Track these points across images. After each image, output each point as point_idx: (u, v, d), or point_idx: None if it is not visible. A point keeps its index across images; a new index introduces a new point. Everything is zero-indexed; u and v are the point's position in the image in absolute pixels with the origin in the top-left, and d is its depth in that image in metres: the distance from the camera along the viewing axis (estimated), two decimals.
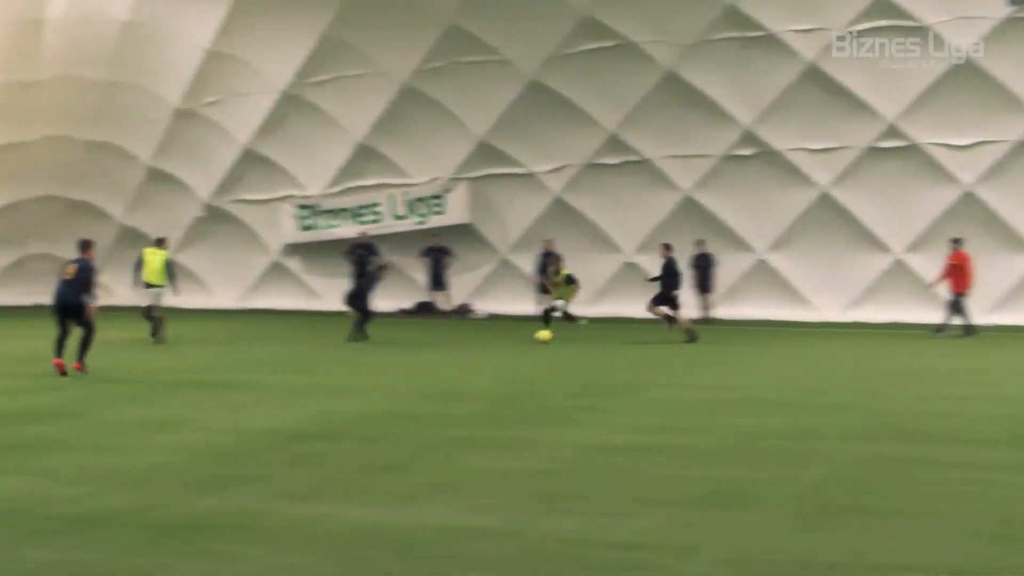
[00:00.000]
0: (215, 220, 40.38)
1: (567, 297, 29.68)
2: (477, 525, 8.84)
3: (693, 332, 27.15)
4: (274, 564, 7.79)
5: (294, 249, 39.78)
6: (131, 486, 10.17)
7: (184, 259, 40.34)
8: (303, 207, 39.24)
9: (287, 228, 39.52)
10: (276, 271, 40.18)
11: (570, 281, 29.48)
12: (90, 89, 39.47)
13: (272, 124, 38.62)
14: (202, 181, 40.21)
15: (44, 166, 40.92)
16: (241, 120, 38.84)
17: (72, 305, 19.69)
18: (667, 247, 28.98)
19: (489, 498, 9.78)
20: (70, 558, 7.86)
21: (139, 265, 27.88)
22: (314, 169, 39.00)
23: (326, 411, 15.22)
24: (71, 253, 41.90)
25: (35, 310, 38.23)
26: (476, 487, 10.24)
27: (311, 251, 39.23)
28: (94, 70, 39.11)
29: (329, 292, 38.11)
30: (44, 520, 8.87)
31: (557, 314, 29.22)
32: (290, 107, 38.22)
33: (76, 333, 19.76)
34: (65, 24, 38.24)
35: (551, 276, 30.20)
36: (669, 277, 28.03)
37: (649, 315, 28.83)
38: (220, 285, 40.68)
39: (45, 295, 41.01)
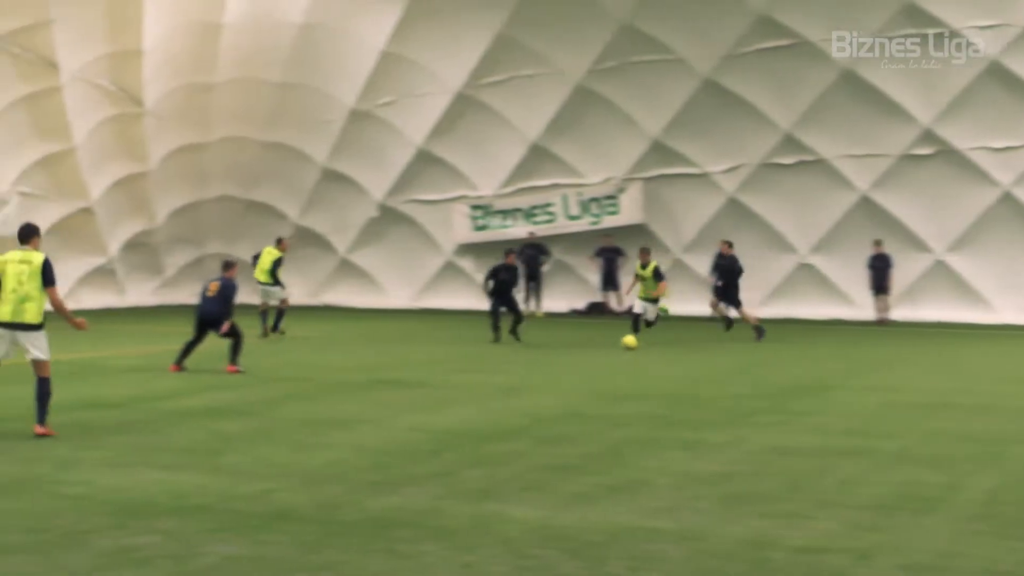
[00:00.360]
0: (389, 220, 40.81)
1: (658, 295, 26.94)
2: (652, 526, 8.80)
3: (730, 321, 28.96)
4: (449, 562, 7.86)
5: (467, 249, 40.00)
6: (310, 483, 10.33)
7: (358, 259, 40.92)
8: (476, 207, 39.46)
9: (460, 228, 39.78)
10: (449, 271, 40.45)
11: (658, 277, 26.86)
12: (266, 91, 40.23)
13: (446, 124, 38.91)
14: (376, 181, 40.68)
15: (222, 167, 41.89)
16: (415, 121, 39.21)
17: (211, 320, 20.65)
18: (728, 244, 29.87)
19: (665, 499, 9.72)
20: (252, 553, 8.03)
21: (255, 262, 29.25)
22: (487, 169, 39.19)
23: (501, 410, 15.28)
24: (248, 252, 42.91)
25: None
26: (652, 488, 10.18)
27: (484, 251, 39.40)
28: (270, 72, 39.85)
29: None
30: (227, 515, 9.07)
31: (651, 317, 27.01)
32: (464, 107, 38.47)
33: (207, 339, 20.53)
34: (242, 27, 39.02)
35: (637, 271, 27.47)
36: (730, 274, 29.29)
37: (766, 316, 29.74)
38: (394, 285, 41.09)
39: None
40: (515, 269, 27.94)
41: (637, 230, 37.12)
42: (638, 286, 27.26)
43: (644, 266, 26.93)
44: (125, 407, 15.51)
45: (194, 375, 19.57)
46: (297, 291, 41.43)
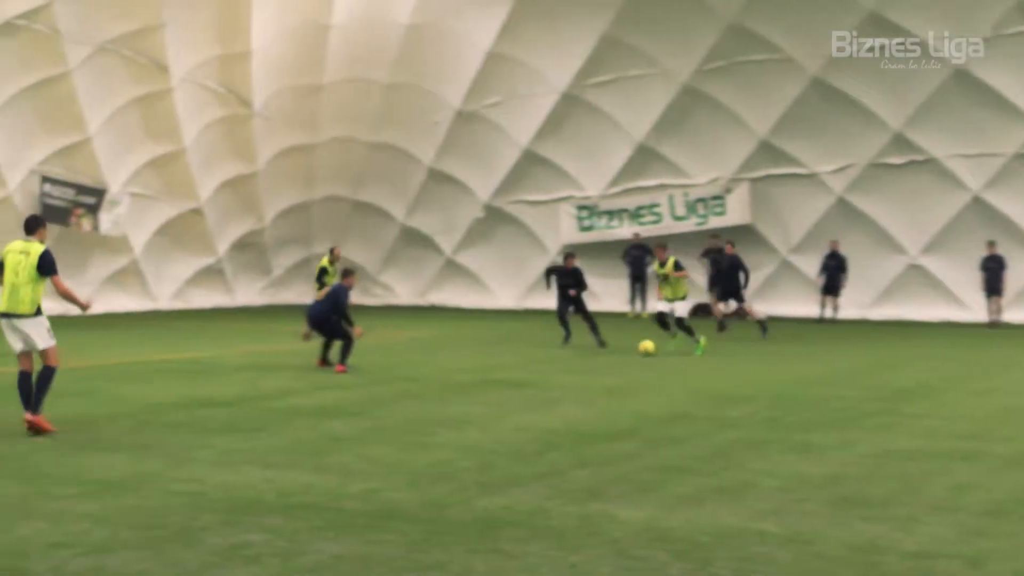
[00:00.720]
0: (495, 221, 40.95)
1: (678, 296, 25.24)
2: (759, 529, 8.74)
3: (724, 325, 29.47)
4: (556, 562, 7.86)
5: (573, 250, 39.92)
6: (417, 483, 10.39)
7: (464, 259, 41.08)
8: (582, 208, 39.46)
9: (566, 229, 39.78)
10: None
11: (678, 268, 25.11)
12: (374, 92, 40.57)
13: (552, 125, 38.94)
14: (482, 182, 40.85)
15: (329, 168, 42.31)
16: (522, 121, 39.30)
17: (320, 322, 21.02)
18: (731, 244, 31.30)
19: (773, 502, 9.64)
20: (360, 552, 8.09)
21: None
22: (594, 170, 39.16)
23: (608, 411, 15.26)
24: (356, 253, 43.29)
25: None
26: (759, 490, 10.12)
27: (590, 252, 39.37)
28: (378, 73, 40.17)
29: (608, 293, 38.25)
30: (335, 514, 9.15)
31: (682, 313, 25.21)
32: (570, 108, 38.48)
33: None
34: (350, 28, 39.37)
35: (657, 271, 25.62)
36: (732, 272, 30.32)
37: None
38: (500, 285, 41.22)
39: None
40: (574, 272, 26.29)
41: (744, 231, 36.88)
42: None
43: (663, 264, 25.36)
44: (235, 406, 15.71)
45: (303, 374, 19.77)
46: (404, 292, 41.75)
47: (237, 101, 38.93)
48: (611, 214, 39.09)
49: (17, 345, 13.41)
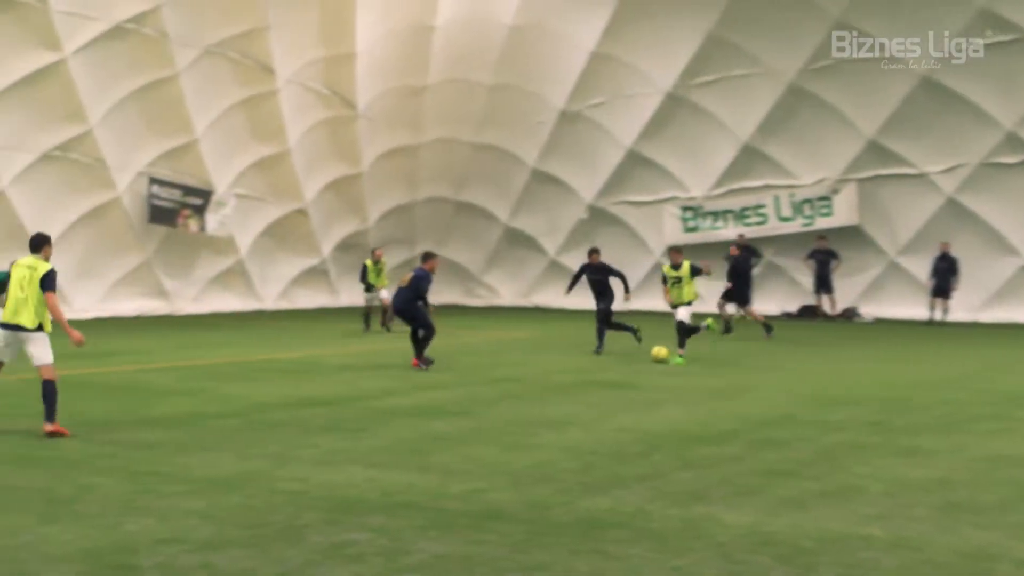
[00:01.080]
0: (598, 222, 40.87)
1: (684, 300, 23.54)
2: (865, 534, 8.66)
3: (729, 325, 29.15)
4: (659, 565, 7.86)
5: (677, 250, 39.71)
6: (521, 483, 10.42)
7: (568, 260, 41.03)
8: (687, 209, 39.29)
9: (670, 230, 39.61)
10: (658, 272, 40.19)
11: (696, 272, 23.68)
12: (477, 93, 40.71)
13: (656, 125, 38.81)
14: (586, 183, 40.82)
15: (432, 169, 42.55)
16: (625, 121, 39.21)
17: (404, 310, 21.30)
18: (738, 247, 31.81)
19: (879, 507, 9.55)
20: (462, 551, 8.13)
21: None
22: (698, 170, 38.97)
23: (711, 413, 15.20)
24: (459, 253, 43.45)
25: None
26: (865, 495, 10.02)
27: (695, 253, 39.05)
28: (481, 74, 40.31)
29: (712, 294, 38.05)
30: (437, 514, 9.20)
31: (683, 318, 23.35)
32: (674, 108, 38.32)
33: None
34: (453, 29, 39.55)
35: (667, 274, 23.89)
36: (741, 274, 30.81)
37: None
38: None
39: (432, 294, 42.80)
40: (603, 268, 25.08)
41: (851, 232, 36.51)
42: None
43: (676, 267, 23.69)
44: (337, 405, 15.85)
45: (404, 374, 19.89)
46: (507, 293, 41.83)
47: (341, 103, 39.28)
48: (716, 215, 38.88)
49: (5, 357, 13.56)
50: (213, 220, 36.65)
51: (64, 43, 30.98)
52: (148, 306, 35.97)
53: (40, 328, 13.29)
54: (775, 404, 16.27)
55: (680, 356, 22.68)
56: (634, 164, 39.73)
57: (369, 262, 32.00)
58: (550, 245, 41.89)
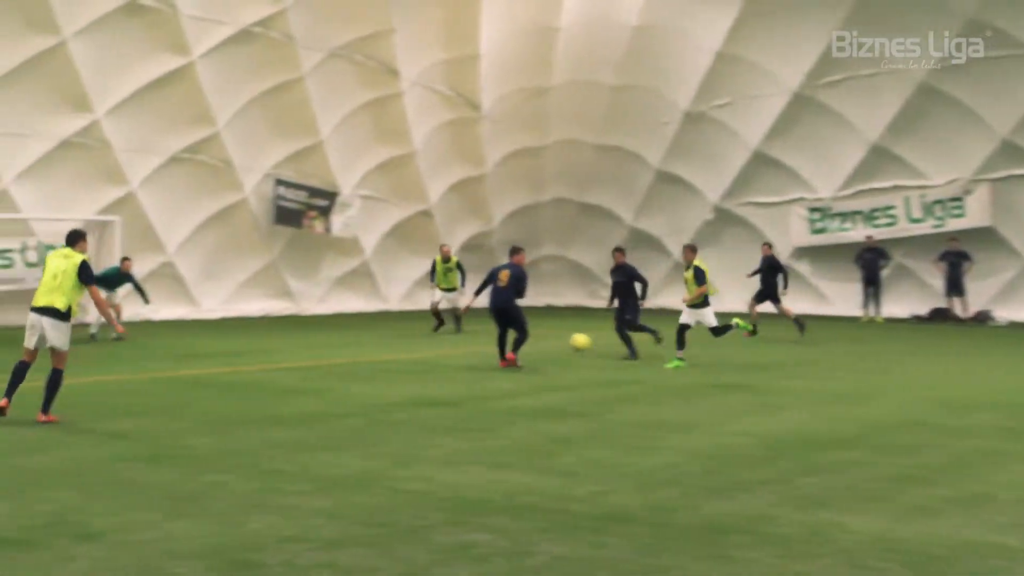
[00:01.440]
0: (724, 223, 40.61)
1: (691, 301, 22.36)
2: (999, 542, 8.53)
3: (755, 327, 26.66)
4: (783, 571, 7.81)
5: (804, 252, 39.43)
6: (644, 486, 10.40)
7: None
8: (814, 210, 38.87)
9: (797, 231, 39.24)
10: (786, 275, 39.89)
11: (699, 279, 22.23)
12: (601, 94, 40.66)
13: (783, 125, 38.44)
14: (711, 184, 40.56)
15: (556, 170, 42.61)
16: (751, 122, 38.90)
17: (504, 308, 21.34)
18: (769, 246, 31.74)
19: (1015, 515, 9.42)
20: (585, 554, 8.15)
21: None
22: (826, 171, 38.51)
23: (836, 417, 15.05)
24: (583, 255, 43.41)
25: (545, 311, 39.87)
26: (999, 503, 9.87)
27: (822, 254, 38.79)
28: (605, 75, 40.24)
29: (840, 296, 37.62)
30: (560, 516, 9.22)
31: (690, 322, 22.41)
32: (801, 108, 37.90)
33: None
34: (577, 30, 39.55)
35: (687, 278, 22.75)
36: (770, 274, 30.33)
37: None
38: (728, 288, 40.74)
39: (555, 296, 42.81)
40: (625, 268, 23.83)
41: (984, 233, 35.83)
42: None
43: (688, 267, 22.68)
44: (460, 406, 15.95)
45: (525, 375, 19.93)
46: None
47: (465, 104, 39.52)
48: (844, 216, 38.41)
49: (32, 341, 14.29)
50: (338, 221, 37.11)
51: (192, 47, 31.61)
52: (274, 307, 36.51)
53: (68, 315, 14.21)
54: (903, 408, 16.04)
55: (679, 359, 21.77)
56: (760, 165, 39.41)
57: (438, 259, 31.63)
58: (675, 246, 41.63)
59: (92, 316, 26.65)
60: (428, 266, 39.14)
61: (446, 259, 31.40)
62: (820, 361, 23.34)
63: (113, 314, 14.71)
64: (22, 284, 29.52)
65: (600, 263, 42.93)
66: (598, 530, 8.75)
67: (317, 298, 37.79)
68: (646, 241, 42.06)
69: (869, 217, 37.84)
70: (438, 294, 31.05)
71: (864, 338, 29.29)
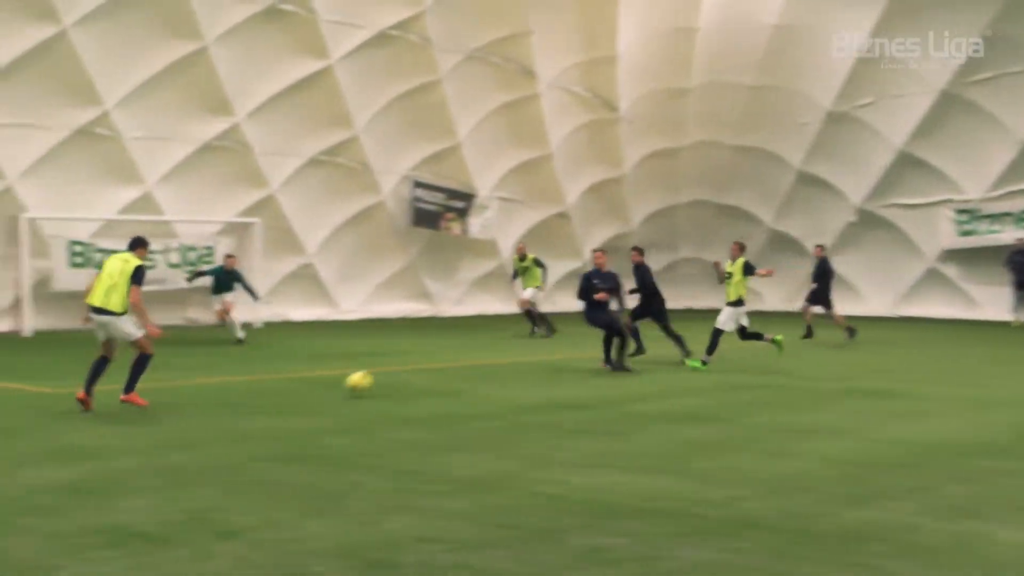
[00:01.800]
0: (867, 225, 40.01)
1: (732, 299, 22.02)
2: None
3: (811, 330, 28.31)
4: None
5: (952, 255, 38.69)
6: (780, 492, 10.29)
7: (835, 265, 40.29)
8: (962, 211, 38.10)
9: (944, 233, 38.51)
10: (932, 278, 39.18)
11: (749, 271, 21.97)
12: (740, 94, 40.32)
13: (929, 125, 37.74)
14: (853, 185, 39.96)
15: (695, 171, 42.35)
16: (896, 122, 38.25)
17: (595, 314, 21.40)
18: (821, 248, 31.46)
19: None
20: (722, 559, 8.09)
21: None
22: (974, 172, 37.72)
23: (983, 424, 14.78)
24: (722, 257, 43.31)
25: (684, 313, 39.72)
26: None
27: (970, 257, 38.02)
28: (744, 75, 39.88)
29: (990, 301, 36.83)
30: (694, 520, 9.17)
31: (728, 328, 22.00)
32: (949, 107, 37.19)
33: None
34: (716, 31, 39.31)
35: (727, 268, 22.22)
36: (822, 277, 29.92)
37: None
38: (872, 291, 40.29)
39: (694, 298, 42.62)
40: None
41: None
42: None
43: (732, 261, 22.07)
44: (593, 409, 15.95)
45: (657, 378, 19.85)
46: (772, 297, 41.26)
47: (602, 106, 39.51)
48: (993, 218, 37.60)
49: (101, 335, 15.35)
50: (475, 223, 37.33)
51: (330, 50, 32.08)
52: (411, 308, 36.85)
53: (123, 313, 15.18)
54: None
55: (703, 362, 21.35)
56: (905, 165, 38.73)
57: (516, 258, 31.50)
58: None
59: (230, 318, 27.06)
60: (565, 268, 39.19)
61: (522, 257, 31.16)
62: (963, 366, 22.90)
63: (147, 315, 15.30)
64: (163, 285, 30.24)
65: None
66: (733, 535, 8.66)
67: (454, 300, 38.06)
68: (786, 243, 41.61)
69: (1020, 219, 36.98)
70: (529, 293, 30.67)
71: (1016, 342, 28.64)
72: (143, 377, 15.21)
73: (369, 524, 8.91)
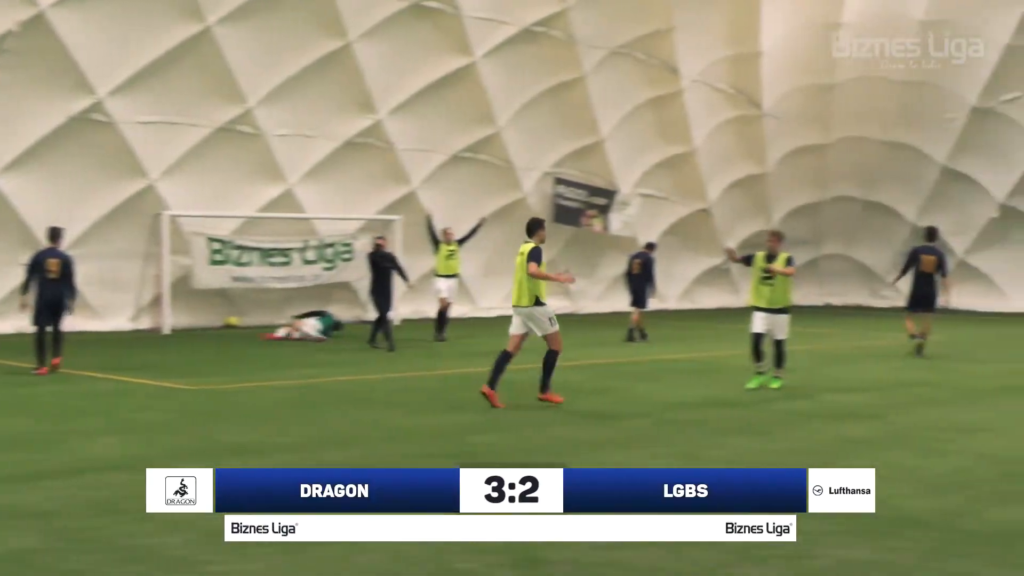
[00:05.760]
0: (1011, 221, 39.33)
1: (780, 306, 17.97)
2: None
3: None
4: None
5: None
6: (936, 490, 10.29)
7: (977, 261, 39.70)
8: None
9: None
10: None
11: (768, 261, 17.89)
12: (887, 90, 39.82)
13: None
14: (998, 181, 39.29)
15: (840, 168, 41.92)
16: None
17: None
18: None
19: None
20: (873, 558, 8.16)
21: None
22: None
23: None
24: (865, 254, 42.65)
25: (824, 310, 39.46)
26: None
27: None
28: (893, 71, 39.44)
29: None
30: (848, 519, 9.03)
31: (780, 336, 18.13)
32: None
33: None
34: (862, 26, 38.95)
35: (760, 267, 17.85)
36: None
37: None
38: (1016, 289, 39.66)
39: (836, 295, 42.19)
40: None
41: None
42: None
43: (771, 258, 17.90)
44: (743, 406, 15.99)
45: (806, 376, 19.75)
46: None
47: (747, 102, 39.35)
48: None
49: (513, 328, 15.77)
50: (617, 220, 37.40)
51: (474, 47, 32.35)
52: (552, 305, 36.89)
53: (537, 303, 15.63)
54: None
55: (759, 374, 18.00)
56: None
57: (443, 243, 28.51)
58: (959, 245, 40.48)
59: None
60: (706, 264, 39.04)
61: (448, 242, 28.27)
62: None
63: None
64: (302, 282, 30.94)
65: (883, 262, 42.09)
66: (885, 534, 8.69)
67: (595, 296, 38.16)
68: None
69: None
70: (447, 286, 28.19)
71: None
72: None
73: None
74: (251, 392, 15.60)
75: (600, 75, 35.28)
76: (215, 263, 29.59)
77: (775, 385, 17.73)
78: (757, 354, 17.87)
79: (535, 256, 15.41)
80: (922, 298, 23.55)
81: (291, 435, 13.28)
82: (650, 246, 29.89)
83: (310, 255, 31.39)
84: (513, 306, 15.72)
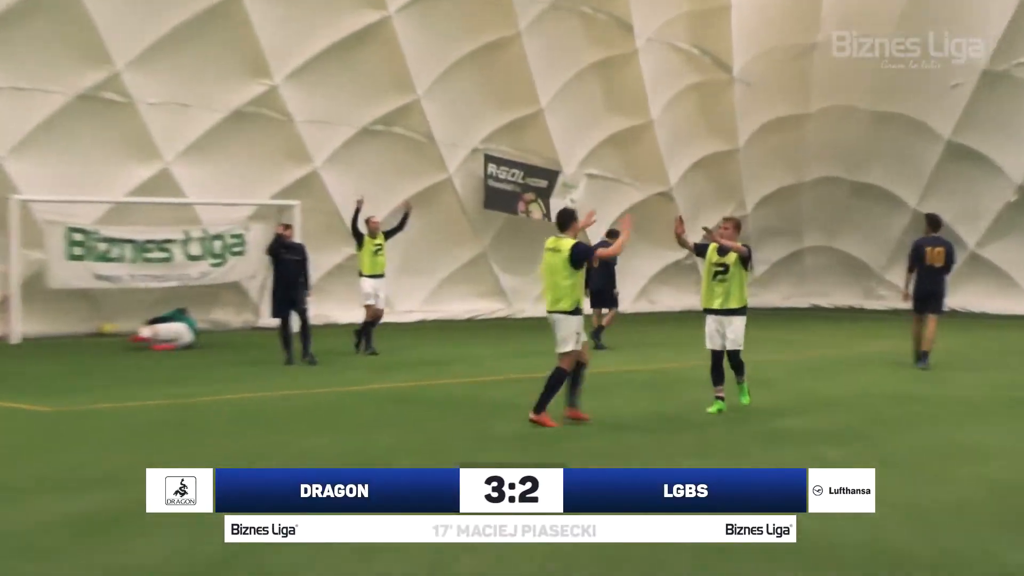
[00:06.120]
0: None
1: (735, 306, 17.06)
2: None
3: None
4: None
5: None
6: (929, 524, 10.21)
7: (990, 253, 39.94)
8: None
9: None
10: None
11: (746, 263, 17.02)
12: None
13: None
14: (1014, 159, 39.52)
15: (823, 143, 42.07)
16: None
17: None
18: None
19: None
20: None
21: None
22: None
23: None
24: (854, 246, 42.86)
25: (811, 313, 39.58)
26: None
27: None
28: (883, 28, 39.40)
29: None
30: (828, 553, 9.08)
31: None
32: None
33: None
34: None
35: (712, 260, 16.97)
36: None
37: None
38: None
39: (822, 295, 42.34)
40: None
41: None
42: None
43: (723, 251, 16.96)
44: (702, 427, 15.90)
45: (786, 389, 19.81)
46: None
47: (713, 65, 39.45)
48: None
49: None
50: (560, 206, 37.37)
51: (388, 1, 32.16)
52: (482, 307, 36.96)
53: (574, 312, 15.46)
54: None
55: (742, 387, 17.49)
56: None
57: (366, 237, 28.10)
58: (969, 235, 40.75)
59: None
60: (669, 259, 39.08)
61: (373, 234, 27.28)
62: None
63: None
64: (185, 280, 30.78)
65: (877, 256, 42.31)
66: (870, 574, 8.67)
67: (535, 297, 38.04)
68: None
69: None
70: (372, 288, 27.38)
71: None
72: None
73: None
74: (119, 413, 15.40)
75: (538, 32, 35.24)
76: (74, 258, 29.21)
77: (744, 401, 17.37)
78: (718, 374, 17.18)
79: (585, 254, 15.45)
80: (928, 297, 23.49)
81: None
82: (612, 234, 29.32)
83: (194, 249, 31.01)
84: (549, 312, 15.60)
